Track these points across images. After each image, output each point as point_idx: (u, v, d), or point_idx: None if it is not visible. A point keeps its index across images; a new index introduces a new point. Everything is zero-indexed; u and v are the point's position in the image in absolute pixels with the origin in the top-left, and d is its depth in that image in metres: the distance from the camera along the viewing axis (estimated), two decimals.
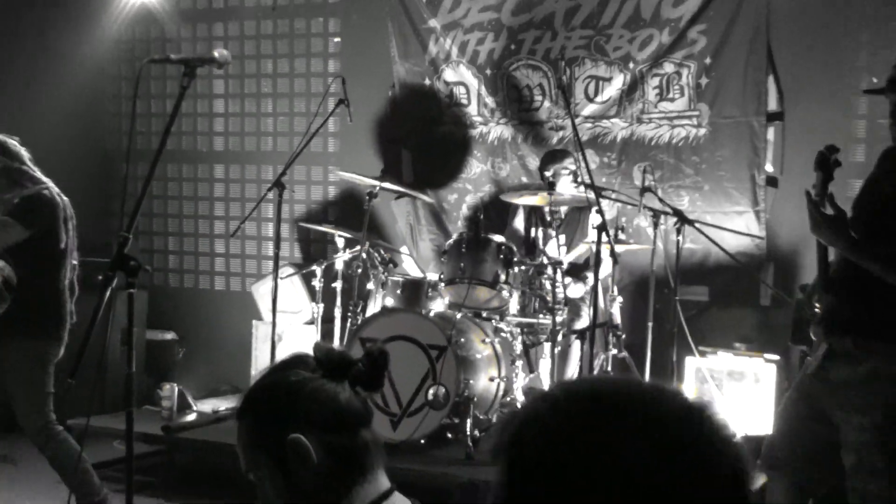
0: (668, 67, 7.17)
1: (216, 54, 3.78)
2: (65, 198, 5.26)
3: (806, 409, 4.12)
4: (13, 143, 5.23)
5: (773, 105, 6.97)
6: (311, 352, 2.16)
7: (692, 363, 6.46)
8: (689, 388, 6.48)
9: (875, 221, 3.90)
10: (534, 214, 6.86)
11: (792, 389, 4.40)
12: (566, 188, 6.48)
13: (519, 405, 6.31)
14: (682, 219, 6.19)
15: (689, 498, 1.09)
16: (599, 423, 1.12)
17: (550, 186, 6.45)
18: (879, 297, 3.85)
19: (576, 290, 6.50)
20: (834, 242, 3.91)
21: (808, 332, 4.18)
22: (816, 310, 4.12)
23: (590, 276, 6.00)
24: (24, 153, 5.24)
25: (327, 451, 1.99)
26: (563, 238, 6.40)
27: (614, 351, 6.34)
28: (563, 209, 6.60)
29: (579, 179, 6.41)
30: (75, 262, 5.37)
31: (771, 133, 6.99)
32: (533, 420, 1.17)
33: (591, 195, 5.77)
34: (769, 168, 6.98)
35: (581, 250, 6.59)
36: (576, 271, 6.54)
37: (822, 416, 4.04)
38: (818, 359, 4.07)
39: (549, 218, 6.51)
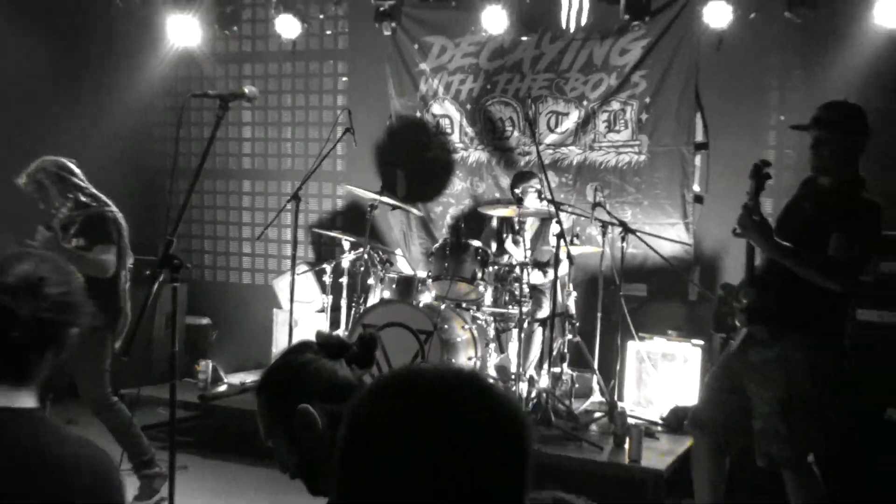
0: (615, 105, 7.20)
1: (246, 90, 3.77)
2: (119, 213, 5.22)
3: (727, 383, 4.17)
4: (72, 164, 5.13)
5: (699, 136, 7.00)
6: (314, 338, 2.19)
7: (633, 346, 6.49)
8: (632, 367, 6.52)
9: (802, 237, 3.94)
10: (505, 224, 6.88)
11: (716, 366, 4.45)
12: (532, 203, 6.50)
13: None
14: (626, 228, 6.23)
15: (481, 447, 1.15)
16: (400, 403, 1.19)
17: (519, 202, 6.48)
18: (791, 294, 3.90)
19: (537, 277, 6.52)
20: (760, 243, 3.97)
21: (727, 322, 4.24)
22: (737, 305, 4.17)
23: (550, 270, 6.02)
24: (79, 173, 5.13)
25: (330, 418, 1.99)
26: (528, 243, 6.44)
27: (570, 336, 6.37)
28: (529, 220, 6.62)
29: (543, 196, 6.43)
30: (130, 265, 5.32)
31: (698, 159, 7.01)
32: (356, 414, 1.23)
33: (552, 209, 5.81)
34: (696, 188, 7.01)
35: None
36: (540, 265, 6.56)
37: (740, 389, 4.09)
38: (739, 342, 4.13)
39: (517, 227, 6.52)
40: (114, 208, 5.15)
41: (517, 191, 6.69)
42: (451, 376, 1.23)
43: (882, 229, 3.94)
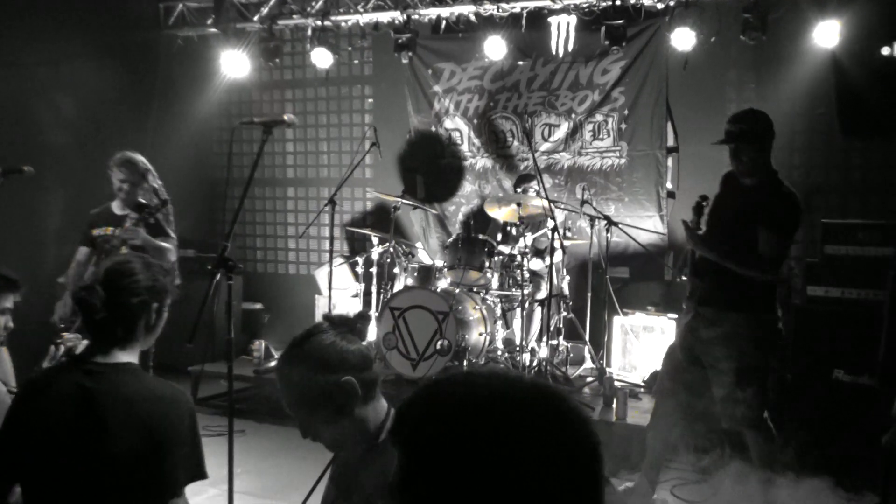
0: (599, 117, 7.17)
1: (286, 118, 3.72)
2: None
3: (685, 354, 4.14)
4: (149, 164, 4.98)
5: (671, 142, 6.98)
6: (322, 320, 2.06)
7: (618, 321, 6.46)
8: (618, 338, 6.50)
9: (732, 227, 3.94)
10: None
11: (673, 341, 4.41)
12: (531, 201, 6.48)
13: (500, 359, 6.33)
14: (610, 221, 6.20)
15: (556, 469, 0.93)
16: (483, 420, 0.93)
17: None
18: (728, 280, 3.89)
19: (537, 263, 6.50)
20: (704, 253, 3.97)
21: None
22: (683, 278, 4.20)
23: (547, 257, 6.00)
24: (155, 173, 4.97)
25: (362, 385, 1.93)
26: (528, 235, 6.42)
27: (564, 313, 6.36)
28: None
29: (539, 195, 6.41)
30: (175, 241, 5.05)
31: (670, 161, 6.99)
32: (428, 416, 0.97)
33: (547, 205, 5.80)
34: (669, 185, 6.98)
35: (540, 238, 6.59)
36: (538, 253, 6.54)
37: (697, 360, 4.08)
38: (690, 321, 4.11)
39: (519, 222, 6.49)
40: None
41: (518, 191, 6.68)
42: (516, 390, 0.97)
43: (801, 214, 3.92)
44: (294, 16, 7.61)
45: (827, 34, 5.95)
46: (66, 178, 6.67)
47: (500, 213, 6.62)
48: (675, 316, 6.29)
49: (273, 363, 6.69)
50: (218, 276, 3.13)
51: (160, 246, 4.73)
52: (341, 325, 2.02)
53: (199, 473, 2.23)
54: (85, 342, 2.71)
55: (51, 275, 6.51)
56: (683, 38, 6.38)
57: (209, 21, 7.81)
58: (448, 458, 0.91)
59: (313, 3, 7.53)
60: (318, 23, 7.45)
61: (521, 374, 1.00)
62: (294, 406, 1.98)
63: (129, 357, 2.25)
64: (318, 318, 7.51)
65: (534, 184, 6.57)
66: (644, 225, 6.83)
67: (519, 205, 6.22)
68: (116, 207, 4.93)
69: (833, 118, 6.14)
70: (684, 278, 4.18)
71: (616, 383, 5.69)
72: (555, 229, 5.73)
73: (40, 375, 2.32)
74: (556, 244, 5.88)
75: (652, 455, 4.32)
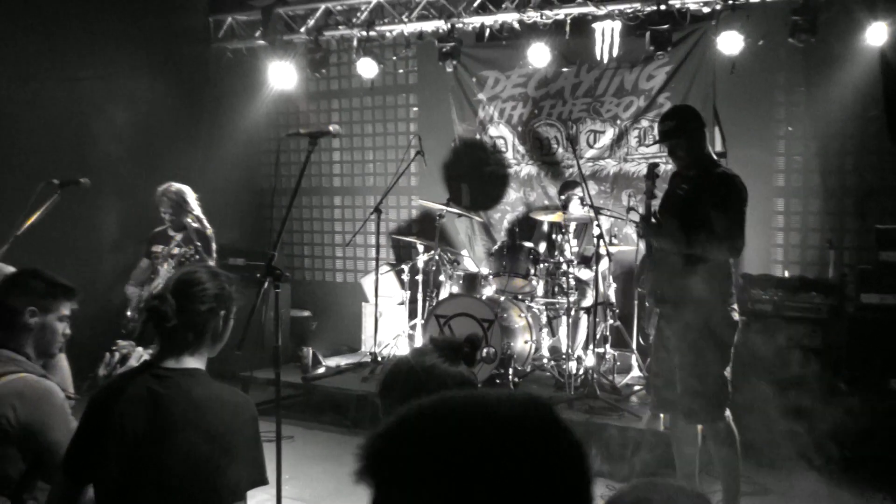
0: (644, 123, 7.11)
1: (331, 128, 3.76)
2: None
3: (667, 359, 4.06)
4: (188, 190, 5.51)
5: (718, 146, 6.86)
6: (429, 342, 2.03)
7: None
8: None
9: (678, 214, 3.96)
10: (553, 226, 6.84)
11: (652, 351, 4.30)
12: (575, 209, 6.47)
13: (545, 365, 6.31)
14: None
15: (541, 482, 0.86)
16: (459, 435, 0.87)
17: (564, 208, 6.44)
18: (682, 273, 3.87)
19: (585, 273, 6.48)
20: (659, 242, 4.02)
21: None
22: (641, 290, 4.17)
23: (594, 266, 5.98)
24: (193, 198, 5.50)
25: None
26: (574, 242, 6.40)
27: (611, 321, 6.31)
28: (573, 224, 6.58)
29: (584, 202, 6.38)
30: None
31: None
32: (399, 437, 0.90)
33: (592, 213, 5.77)
34: None
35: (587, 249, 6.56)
36: (586, 262, 6.52)
37: (669, 359, 4.02)
38: (657, 321, 4.08)
39: (563, 229, 6.48)
40: (206, 229, 5.52)
41: (563, 198, 6.66)
42: (496, 411, 0.90)
43: (744, 191, 3.87)
44: (340, 27, 7.71)
45: (878, 32, 5.82)
46: (121, 189, 6.85)
47: (546, 220, 6.61)
48: None
49: (321, 370, 6.78)
50: (266, 285, 3.17)
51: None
52: (446, 348, 1.99)
53: (261, 479, 2.28)
54: (139, 349, 2.79)
55: (107, 283, 6.70)
56: (730, 42, 6.30)
57: (257, 34, 7.96)
58: (434, 489, 0.84)
59: (359, 14, 7.63)
60: (364, 33, 7.54)
61: (501, 392, 0.93)
62: None
63: (197, 363, 2.34)
64: (365, 325, 7.63)
65: (578, 191, 6.55)
66: None
67: (564, 212, 6.20)
68: (170, 229, 5.54)
69: (884, 121, 6.00)
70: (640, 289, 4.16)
71: None
72: (600, 236, 5.70)
73: (116, 379, 2.41)
74: (602, 251, 5.84)
75: (682, 471, 4.21)
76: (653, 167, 4.23)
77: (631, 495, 1.20)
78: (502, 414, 0.90)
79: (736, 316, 3.92)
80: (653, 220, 4.04)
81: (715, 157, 4.09)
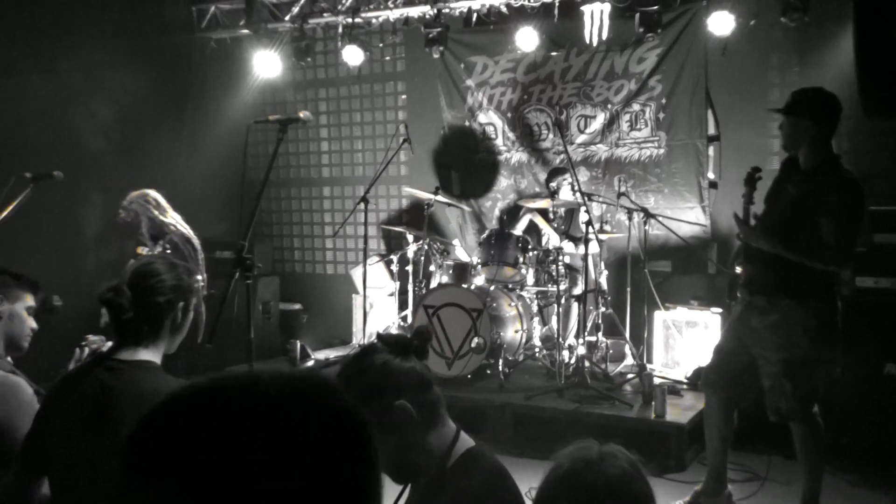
0: (636, 107, 7.06)
1: (301, 115, 3.71)
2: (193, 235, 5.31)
3: (734, 346, 4.07)
4: (161, 197, 5.26)
5: (711, 130, 6.84)
6: (376, 339, 1.96)
7: (659, 316, 6.38)
8: (659, 334, 6.41)
9: (785, 212, 3.84)
10: (542, 214, 6.80)
11: (724, 330, 4.34)
12: (565, 195, 6.42)
13: (536, 353, 6.28)
14: (648, 214, 6.11)
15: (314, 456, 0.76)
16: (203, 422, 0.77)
17: (553, 194, 6.40)
18: (782, 267, 3.79)
19: (571, 247, 6.45)
20: (758, 244, 3.84)
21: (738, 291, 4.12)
22: (738, 270, 4.08)
23: (581, 246, 5.94)
24: (166, 204, 5.25)
25: (419, 408, 1.84)
26: (561, 226, 6.37)
27: (603, 309, 6.28)
28: (562, 210, 6.54)
29: (574, 189, 6.35)
30: (203, 275, 5.32)
31: (711, 150, 6.85)
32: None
33: (581, 198, 5.74)
34: (711, 175, 6.85)
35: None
36: (573, 239, 6.49)
37: (745, 350, 3.99)
38: (741, 309, 4.03)
39: (551, 216, 6.44)
40: (189, 233, 5.26)
41: (552, 185, 6.62)
42: (261, 391, 0.80)
43: (865, 200, 3.77)
44: (324, 14, 7.65)
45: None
46: (103, 183, 6.79)
47: (537, 206, 6.58)
48: (720, 310, 6.18)
49: (310, 363, 6.75)
50: (237, 276, 3.15)
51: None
52: (395, 344, 1.92)
53: None
54: (109, 343, 2.76)
55: (90, 279, 6.66)
56: (722, 23, 6.25)
57: (241, 22, 7.88)
58: (179, 481, 0.75)
59: (343, 1, 7.56)
60: (349, 20, 7.48)
61: (262, 371, 0.82)
62: None
63: (151, 356, 2.31)
64: (356, 316, 7.59)
65: (568, 176, 6.51)
66: (686, 217, 6.71)
67: (554, 198, 6.17)
68: (148, 240, 5.31)
69: (855, 87, 5.95)
70: (738, 270, 4.09)
71: (656, 380, 5.60)
72: (588, 222, 5.65)
73: (72, 372, 2.40)
74: (591, 237, 5.81)
75: (711, 451, 4.22)
76: (753, 172, 4.01)
77: (566, 462, 1.20)
78: (260, 392, 0.80)
79: (837, 315, 3.81)
80: (751, 221, 3.89)
81: (838, 155, 3.85)
